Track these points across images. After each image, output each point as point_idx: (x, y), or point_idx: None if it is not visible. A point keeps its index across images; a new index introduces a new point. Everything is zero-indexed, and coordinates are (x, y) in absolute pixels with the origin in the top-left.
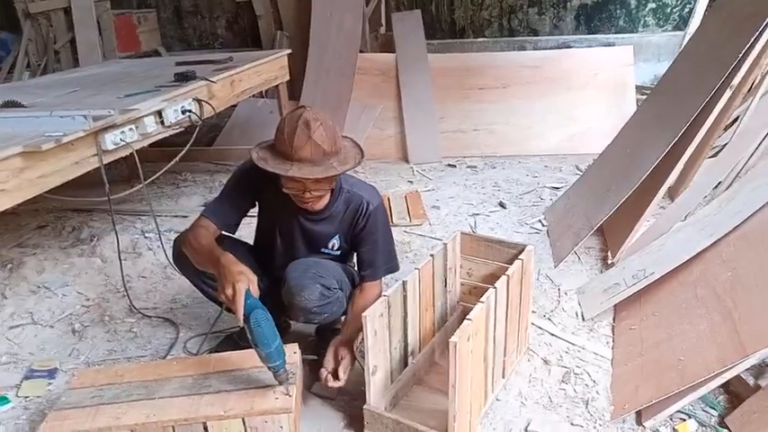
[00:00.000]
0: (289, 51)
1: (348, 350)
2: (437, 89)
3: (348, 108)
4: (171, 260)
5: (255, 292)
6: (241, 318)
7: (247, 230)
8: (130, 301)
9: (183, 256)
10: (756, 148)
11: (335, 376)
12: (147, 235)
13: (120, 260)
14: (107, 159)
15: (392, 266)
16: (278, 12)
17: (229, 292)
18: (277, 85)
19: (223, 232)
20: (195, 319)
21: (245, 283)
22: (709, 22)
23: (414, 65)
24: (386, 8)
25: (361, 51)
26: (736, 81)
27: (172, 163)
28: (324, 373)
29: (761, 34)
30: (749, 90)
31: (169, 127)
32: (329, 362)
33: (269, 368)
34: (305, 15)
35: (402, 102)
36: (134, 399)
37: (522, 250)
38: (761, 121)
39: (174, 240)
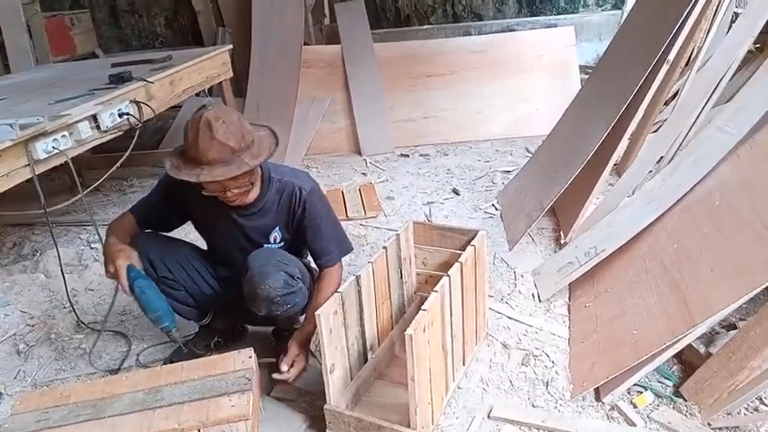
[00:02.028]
0: (230, 47)
1: (302, 347)
2: (385, 79)
3: (296, 102)
4: None
5: (138, 265)
6: (127, 289)
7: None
8: (77, 316)
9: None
10: (694, 122)
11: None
12: (93, 246)
13: (63, 274)
14: (40, 169)
15: (345, 248)
16: (218, 7)
17: (111, 268)
18: (220, 83)
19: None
20: (147, 330)
21: (124, 258)
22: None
23: (360, 55)
24: None
25: (305, 44)
26: (671, 56)
27: (113, 169)
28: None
29: (692, 10)
30: (686, 64)
31: (106, 132)
32: (285, 358)
33: (161, 329)
34: (246, 10)
35: (351, 93)
36: (83, 419)
37: (475, 236)
38: (698, 95)
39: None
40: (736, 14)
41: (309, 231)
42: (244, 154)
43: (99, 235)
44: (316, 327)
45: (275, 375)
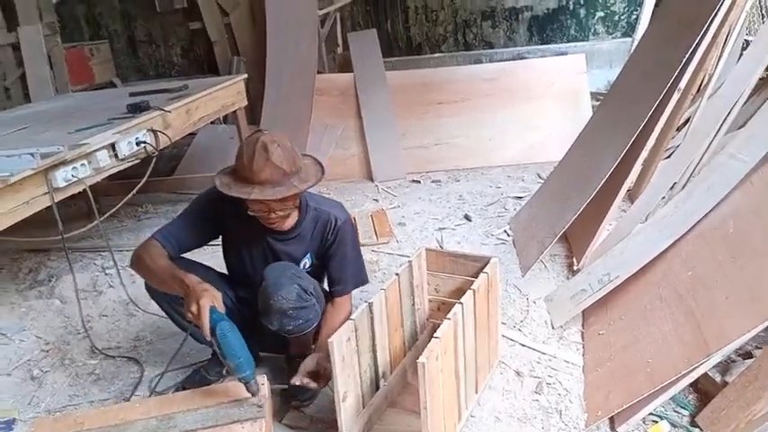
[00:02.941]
0: (245, 76)
1: (325, 363)
2: (397, 106)
3: (309, 129)
4: (145, 286)
5: (221, 307)
6: (207, 332)
7: (212, 262)
8: (92, 342)
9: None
10: (707, 148)
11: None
12: (107, 272)
13: (79, 300)
14: (59, 197)
15: (361, 280)
16: (233, 37)
17: (194, 308)
18: (235, 111)
19: (181, 255)
20: (160, 356)
21: (208, 299)
22: (655, 28)
23: (372, 83)
24: (342, 28)
25: (318, 72)
26: (683, 84)
27: (129, 196)
28: (300, 376)
29: (702, 38)
30: (698, 91)
31: (123, 160)
32: (306, 367)
33: (239, 380)
34: (261, 39)
35: (363, 120)
36: None
37: (488, 263)
38: (710, 122)
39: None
40: (747, 42)
41: (334, 259)
42: (293, 178)
43: (114, 261)
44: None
45: (300, 380)
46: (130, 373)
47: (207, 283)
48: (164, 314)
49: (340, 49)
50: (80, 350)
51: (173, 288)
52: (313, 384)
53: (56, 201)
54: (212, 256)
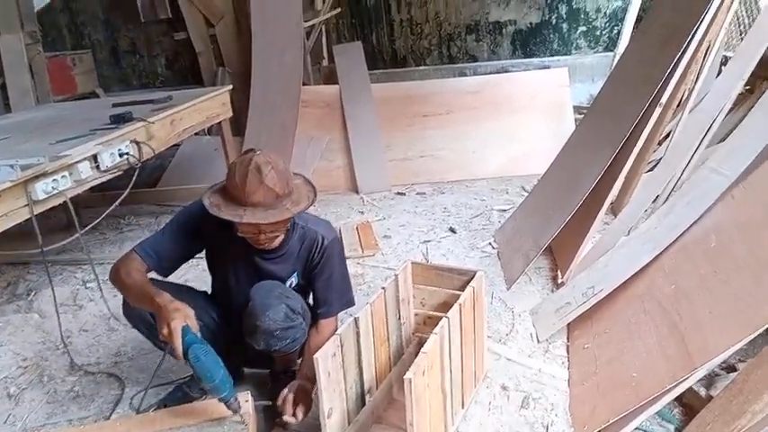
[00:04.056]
0: (230, 87)
1: (306, 392)
2: (382, 118)
3: (294, 141)
4: (122, 309)
5: (194, 326)
6: (180, 355)
7: (193, 274)
8: (71, 358)
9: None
10: (689, 162)
11: (293, 414)
12: (88, 285)
13: (58, 314)
14: (39, 209)
15: (347, 301)
16: (218, 48)
17: (165, 331)
18: (220, 122)
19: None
20: (142, 372)
21: (180, 320)
22: (636, 43)
23: (358, 95)
24: (327, 41)
25: (304, 84)
26: (664, 98)
27: (111, 208)
28: (283, 405)
29: (683, 54)
30: (678, 105)
31: (106, 171)
32: (287, 400)
33: (219, 400)
34: (246, 51)
35: (348, 132)
36: None
37: (473, 276)
38: (691, 136)
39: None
40: (726, 58)
41: (319, 280)
42: (286, 200)
43: (95, 274)
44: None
45: (286, 418)
46: (111, 390)
47: (179, 302)
48: None
49: (326, 62)
50: (59, 366)
51: (146, 305)
52: (293, 419)
53: (35, 213)
54: (195, 268)
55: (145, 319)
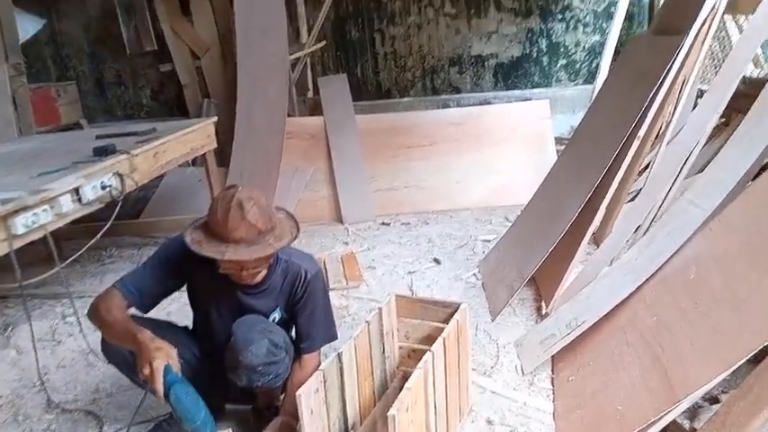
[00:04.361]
0: (215, 119)
1: (290, 429)
2: (366, 149)
3: (279, 172)
4: (101, 345)
5: (176, 365)
6: (161, 395)
7: (176, 306)
8: (48, 395)
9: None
10: (668, 193)
11: None
12: (67, 320)
13: (36, 350)
14: (18, 244)
15: (330, 336)
16: (204, 80)
17: (146, 370)
18: (204, 153)
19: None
20: (121, 409)
21: (162, 359)
22: (613, 77)
23: (342, 126)
24: (312, 73)
25: (289, 115)
26: (641, 132)
27: (92, 241)
28: None
29: (659, 88)
30: (657, 137)
31: (88, 204)
32: None
33: None
34: (231, 82)
35: (333, 163)
36: None
37: (457, 309)
38: (669, 167)
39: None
40: (701, 91)
41: (302, 314)
42: (268, 236)
43: (74, 309)
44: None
45: None
46: (89, 429)
47: (161, 340)
48: None
49: (311, 93)
50: (35, 404)
51: (126, 343)
52: None
53: (14, 248)
54: (177, 301)
55: (123, 356)
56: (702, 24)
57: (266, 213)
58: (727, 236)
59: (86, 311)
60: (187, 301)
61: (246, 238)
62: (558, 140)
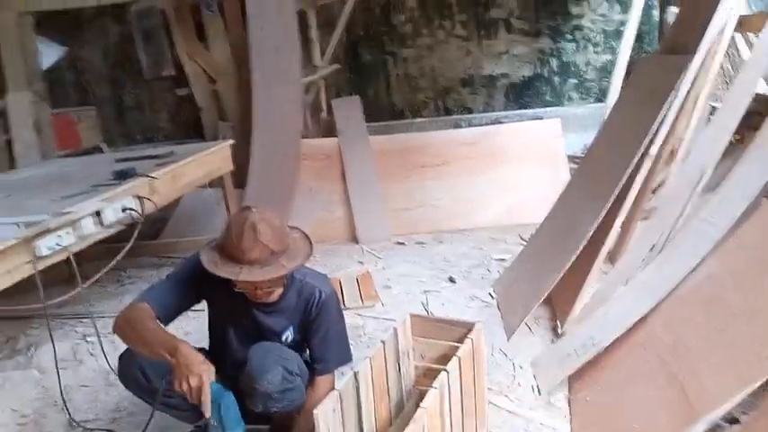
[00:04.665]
0: (231, 142)
1: None
2: (381, 169)
3: (295, 193)
4: (118, 368)
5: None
6: (209, 409)
7: (194, 325)
8: (69, 415)
9: (126, 367)
10: (682, 211)
11: None
12: (88, 339)
13: (58, 370)
14: (42, 266)
15: (345, 358)
16: (220, 103)
17: (195, 382)
18: (221, 175)
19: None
20: (139, 428)
21: (209, 373)
22: (624, 96)
23: (356, 147)
24: (326, 95)
25: (304, 137)
26: (653, 151)
27: (113, 263)
28: None
29: (670, 108)
30: (670, 155)
31: (109, 227)
32: None
33: None
34: (247, 106)
35: (347, 184)
36: None
37: (472, 329)
38: (683, 185)
39: (120, 357)
40: (713, 107)
41: (316, 336)
42: (282, 257)
43: (96, 329)
44: (312, 429)
45: None
46: None
47: (203, 357)
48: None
49: (324, 115)
50: (57, 423)
51: (161, 355)
52: None
53: (38, 269)
54: (196, 320)
55: (138, 380)
56: (712, 43)
57: (279, 234)
58: (742, 253)
59: (113, 325)
60: (205, 321)
61: (260, 259)
62: (572, 159)
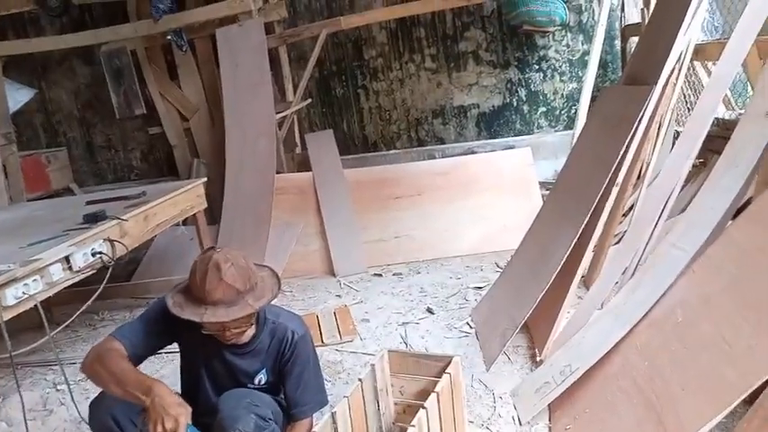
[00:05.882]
0: (204, 180)
1: None
2: (356, 201)
3: (269, 228)
4: (89, 415)
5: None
6: None
7: (170, 368)
8: None
9: (97, 414)
10: (651, 236)
11: None
12: (59, 387)
13: (26, 421)
14: (8, 315)
15: (321, 401)
16: (193, 141)
17: (170, 425)
18: (195, 213)
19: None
20: None
21: (186, 416)
22: (589, 125)
23: (331, 180)
24: (299, 129)
25: (278, 172)
26: (620, 179)
27: (83, 308)
28: None
29: (633, 136)
30: (638, 178)
31: (78, 272)
32: None
33: None
34: (220, 142)
35: (323, 217)
36: None
37: (449, 363)
38: (651, 209)
39: (90, 404)
40: (677, 132)
41: (291, 378)
42: (248, 296)
43: (65, 377)
44: None
45: None
46: None
47: (180, 398)
48: None
49: (298, 149)
50: None
51: (132, 395)
52: None
53: (5, 319)
54: (171, 363)
55: (111, 429)
56: (671, 73)
57: (245, 273)
58: (710, 277)
59: (82, 363)
60: (179, 364)
61: (225, 300)
62: (543, 185)
